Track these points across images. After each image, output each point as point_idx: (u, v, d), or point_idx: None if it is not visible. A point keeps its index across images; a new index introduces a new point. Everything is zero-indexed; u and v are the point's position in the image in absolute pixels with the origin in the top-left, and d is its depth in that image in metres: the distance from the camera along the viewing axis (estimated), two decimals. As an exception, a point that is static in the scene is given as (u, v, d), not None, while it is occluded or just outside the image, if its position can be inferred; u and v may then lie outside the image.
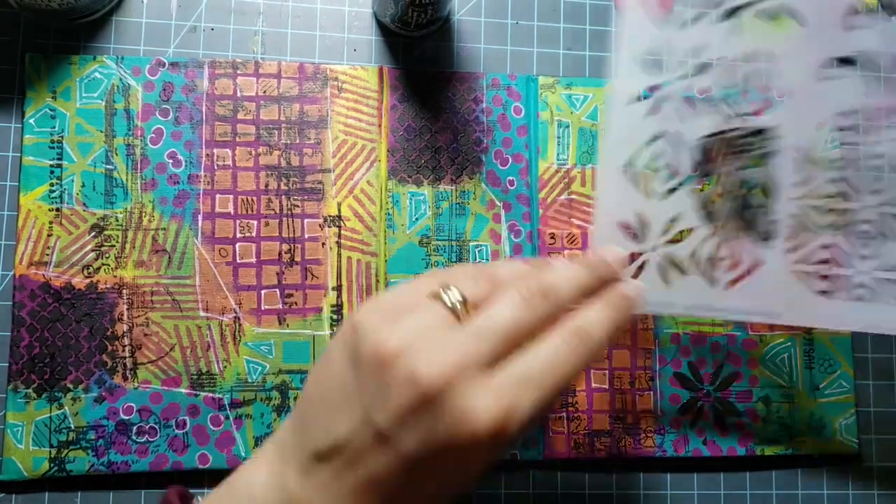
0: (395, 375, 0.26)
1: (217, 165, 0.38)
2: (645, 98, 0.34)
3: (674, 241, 0.35)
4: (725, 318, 0.36)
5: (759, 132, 0.35)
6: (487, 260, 0.40)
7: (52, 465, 0.36)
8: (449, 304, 0.28)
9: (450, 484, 0.27)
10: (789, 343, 0.41)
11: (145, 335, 0.37)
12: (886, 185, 0.35)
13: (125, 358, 0.37)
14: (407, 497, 0.27)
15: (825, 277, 0.35)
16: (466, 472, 0.27)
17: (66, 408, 0.36)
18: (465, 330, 0.27)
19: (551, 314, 0.28)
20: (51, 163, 0.37)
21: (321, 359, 0.30)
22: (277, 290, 0.38)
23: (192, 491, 0.37)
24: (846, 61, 0.34)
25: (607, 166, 0.34)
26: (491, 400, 0.26)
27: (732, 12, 0.35)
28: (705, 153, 0.35)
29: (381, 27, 0.41)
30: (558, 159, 0.41)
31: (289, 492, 0.28)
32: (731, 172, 0.35)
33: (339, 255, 0.39)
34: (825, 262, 0.35)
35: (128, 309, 0.37)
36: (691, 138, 0.35)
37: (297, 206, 0.39)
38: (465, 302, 0.28)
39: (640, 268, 0.34)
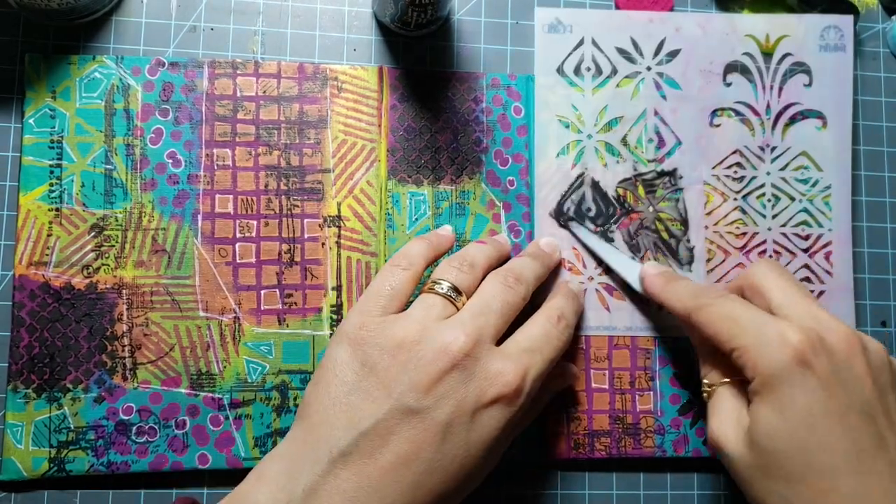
0: (422, 354, 0.30)
1: (217, 165, 0.38)
2: (565, 155, 0.40)
3: (606, 271, 0.40)
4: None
5: (665, 174, 0.40)
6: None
7: (51, 465, 0.36)
8: (443, 293, 0.32)
9: (475, 448, 0.30)
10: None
11: (145, 335, 0.37)
12: (776, 209, 0.41)
13: (125, 358, 0.37)
14: (437, 468, 0.29)
15: None
16: (490, 435, 0.30)
17: (66, 408, 0.36)
18: (468, 311, 0.32)
19: (525, 295, 0.34)
20: (50, 163, 0.37)
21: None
22: (277, 290, 0.38)
23: (191, 492, 0.37)
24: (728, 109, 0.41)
25: (542, 212, 0.40)
26: (510, 364, 0.30)
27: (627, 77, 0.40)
28: (622, 195, 0.40)
29: (381, 27, 0.41)
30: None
31: None
32: (648, 210, 0.40)
33: (339, 255, 0.39)
34: None
35: (127, 309, 0.37)
36: (610, 183, 0.40)
37: (297, 206, 0.39)
38: (455, 289, 0.33)
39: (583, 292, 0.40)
